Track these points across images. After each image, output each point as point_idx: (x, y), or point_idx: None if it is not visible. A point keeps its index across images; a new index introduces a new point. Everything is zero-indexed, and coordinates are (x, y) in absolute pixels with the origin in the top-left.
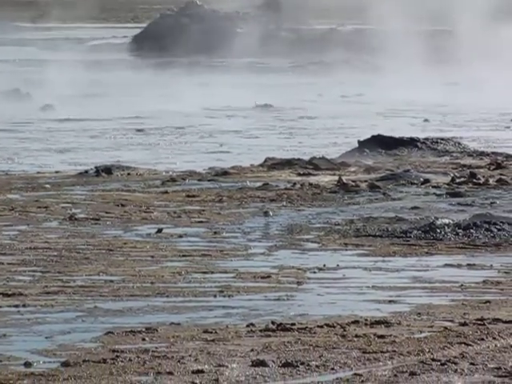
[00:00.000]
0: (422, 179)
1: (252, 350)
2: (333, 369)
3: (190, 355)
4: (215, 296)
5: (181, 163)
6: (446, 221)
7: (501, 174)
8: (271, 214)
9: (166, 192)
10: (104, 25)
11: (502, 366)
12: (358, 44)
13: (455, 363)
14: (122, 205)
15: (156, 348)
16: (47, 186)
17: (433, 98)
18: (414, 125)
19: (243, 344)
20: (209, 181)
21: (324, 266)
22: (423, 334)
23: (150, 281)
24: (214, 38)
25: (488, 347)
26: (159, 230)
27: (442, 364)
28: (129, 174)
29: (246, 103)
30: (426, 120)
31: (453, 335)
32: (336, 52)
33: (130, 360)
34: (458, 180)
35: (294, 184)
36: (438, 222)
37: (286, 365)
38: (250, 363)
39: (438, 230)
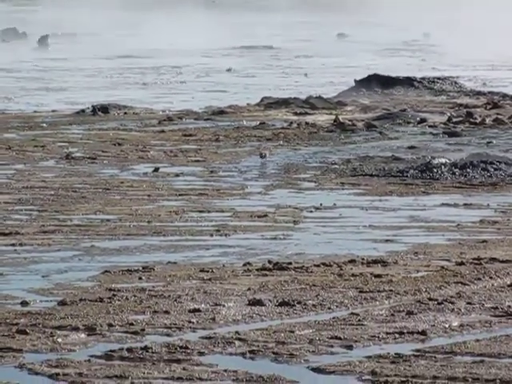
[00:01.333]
0: (418, 118)
1: (249, 289)
2: (329, 308)
3: (186, 294)
4: (212, 235)
5: (177, 102)
6: (443, 160)
7: (497, 114)
8: (267, 154)
9: (163, 131)
10: None
11: (498, 306)
12: None
13: (452, 303)
14: (119, 144)
15: (153, 287)
16: (44, 125)
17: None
18: (411, 64)
19: (240, 283)
20: (205, 120)
21: (321, 205)
22: (420, 274)
23: (147, 220)
24: None
25: (485, 287)
26: (156, 169)
27: (439, 303)
28: (125, 113)
29: (242, 42)
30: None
31: (449, 274)
32: None
33: (127, 299)
34: (454, 119)
35: (291, 123)
36: (435, 162)
37: (283, 304)
38: (247, 302)
39: (435, 170)
